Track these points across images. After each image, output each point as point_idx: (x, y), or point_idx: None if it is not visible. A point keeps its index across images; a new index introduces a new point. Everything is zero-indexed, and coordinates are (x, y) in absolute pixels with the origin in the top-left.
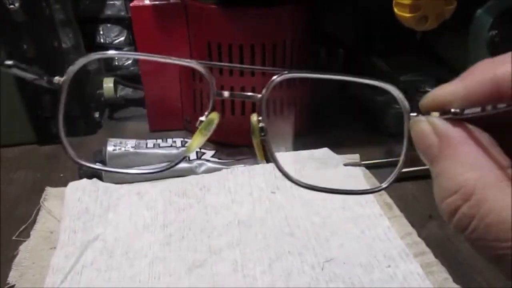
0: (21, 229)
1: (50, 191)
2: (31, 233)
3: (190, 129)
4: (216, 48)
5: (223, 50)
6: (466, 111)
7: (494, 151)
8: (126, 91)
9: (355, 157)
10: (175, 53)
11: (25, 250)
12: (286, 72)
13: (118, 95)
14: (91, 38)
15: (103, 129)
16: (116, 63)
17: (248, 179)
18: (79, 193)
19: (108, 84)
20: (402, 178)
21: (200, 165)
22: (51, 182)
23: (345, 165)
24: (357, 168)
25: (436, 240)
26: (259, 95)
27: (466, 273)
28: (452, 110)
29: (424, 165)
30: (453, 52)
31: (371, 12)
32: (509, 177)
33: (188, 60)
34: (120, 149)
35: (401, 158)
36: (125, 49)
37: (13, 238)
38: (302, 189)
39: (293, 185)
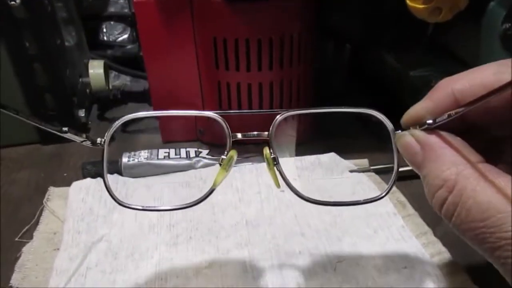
0: (24, 230)
1: (53, 191)
2: (34, 234)
3: (203, 140)
4: (222, 43)
5: (228, 45)
6: (438, 119)
7: (467, 151)
8: (121, 79)
9: (364, 162)
10: (180, 49)
11: (28, 251)
12: (286, 111)
13: (110, 86)
14: (94, 36)
15: (91, 134)
16: (105, 37)
17: (256, 177)
18: (83, 193)
19: (95, 69)
20: (414, 176)
21: (198, 161)
22: (55, 182)
23: (351, 171)
24: (365, 173)
25: (452, 239)
26: (266, 133)
27: (484, 274)
28: (427, 121)
29: None
30: (464, 46)
31: (380, 5)
32: (481, 169)
33: (204, 112)
34: (133, 160)
35: (394, 170)
36: (129, 46)
37: (16, 239)
38: (313, 176)
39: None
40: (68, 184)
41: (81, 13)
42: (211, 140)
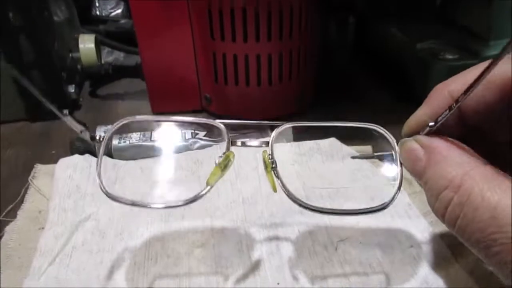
0: (8, 208)
1: (39, 168)
2: (18, 213)
3: (210, 111)
4: (218, 13)
5: (224, 14)
6: (439, 118)
7: (471, 153)
8: (115, 56)
9: (367, 149)
10: (173, 21)
11: (11, 231)
12: (285, 123)
13: (103, 62)
14: (86, 11)
15: (83, 111)
16: (98, 12)
17: (253, 152)
18: (70, 170)
19: (86, 44)
20: None
21: (195, 142)
22: (43, 160)
23: (353, 158)
24: (369, 160)
25: None
26: (268, 142)
27: None
28: (429, 124)
29: None
30: (475, 19)
31: None
32: (488, 170)
33: (207, 120)
34: (125, 141)
35: (398, 180)
36: (122, 21)
37: (0, 218)
38: (312, 162)
39: (302, 159)
40: (56, 162)
41: None
42: (222, 111)
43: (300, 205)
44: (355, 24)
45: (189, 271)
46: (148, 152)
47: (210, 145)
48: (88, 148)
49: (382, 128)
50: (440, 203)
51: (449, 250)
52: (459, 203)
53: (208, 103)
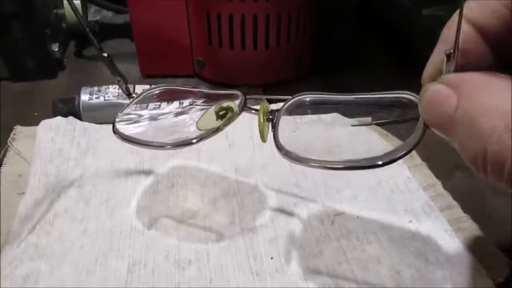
0: None
1: (20, 130)
2: None
3: (203, 76)
4: (216, 19)
5: (222, 20)
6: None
7: None
8: (102, 14)
9: (367, 120)
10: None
11: None
12: (300, 95)
13: (89, 20)
14: None
15: (67, 72)
16: None
17: (248, 120)
18: (52, 133)
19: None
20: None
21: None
22: (24, 122)
23: (354, 126)
24: (369, 127)
25: (462, 194)
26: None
27: (497, 231)
28: (446, 52)
29: None
30: None
31: None
32: None
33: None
34: (98, 98)
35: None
36: None
37: None
38: (309, 133)
39: (303, 127)
40: (38, 124)
41: None
42: (216, 76)
43: (290, 158)
44: None
45: (178, 243)
46: None
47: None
48: (71, 110)
49: (414, 94)
50: (479, 137)
51: (449, 225)
52: (506, 145)
53: (201, 67)
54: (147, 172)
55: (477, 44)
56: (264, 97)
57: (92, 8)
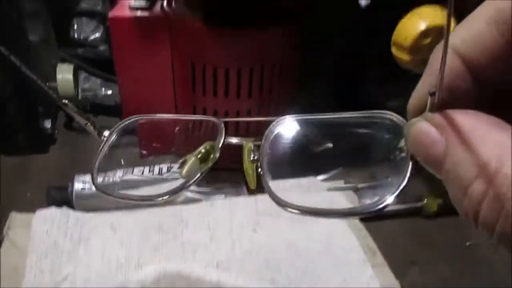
0: None
1: (14, 217)
2: None
3: (180, 154)
4: (201, 68)
5: (207, 70)
6: (439, 81)
7: (503, 126)
8: (91, 83)
9: (341, 183)
10: (156, 69)
11: None
12: (281, 118)
13: (80, 91)
14: (64, 33)
15: (58, 145)
16: (76, 35)
17: (228, 214)
18: (47, 225)
19: (64, 74)
20: (384, 216)
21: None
22: (18, 204)
23: (329, 190)
24: (343, 192)
25: None
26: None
27: None
28: (429, 91)
29: (407, 201)
30: None
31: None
32: None
33: (207, 116)
34: (90, 188)
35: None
36: (101, 48)
37: None
38: (284, 227)
39: (274, 222)
40: (31, 206)
41: (50, 7)
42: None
43: (279, 204)
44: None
45: None
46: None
47: (198, 200)
48: (64, 198)
49: (392, 113)
50: (470, 199)
51: None
52: (498, 197)
53: (177, 148)
54: (136, 266)
55: (465, 80)
56: (241, 120)
57: (82, 75)
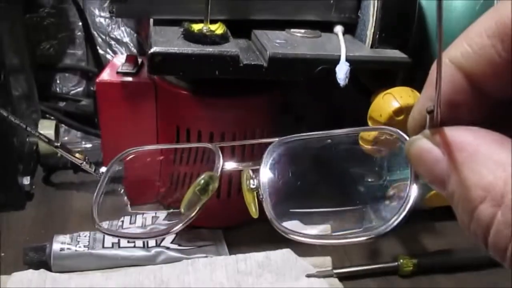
0: None
1: None
2: None
3: (164, 203)
4: (185, 133)
5: (191, 135)
6: (437, 98)
7: (510, 145)
8: (71, 136)
9: (326, 262)
10: (140, 132)
11: None
12: (279, 140)
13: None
14: (46, 87)
15: (35, 202)
16: (58, 89)
17: (209, 273)
18: None
19: (46, 130)
20: (362, 275)
21: (159, 253)
22: None
23: (308, 276)
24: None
25: None
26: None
27: None
28: (428, 109)
29: (383, 261)
30: None
31: (343, 108)
32: None
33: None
34: (69, 249)
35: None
36: (83, 102)
37: None
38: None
39: (255, 282)
40: (6, 267)
41: (33, 62)
42: (171, 204)
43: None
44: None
45: None
46: (98, 263)
47: (179, 258)
48: (41, 259)
49: (391, 128)
50: (477, 223)
51: None
52: (507, 221)
53: (162, 198)
54: None
55: (467, 94)
56: (238, 143)
57: (62, 128)
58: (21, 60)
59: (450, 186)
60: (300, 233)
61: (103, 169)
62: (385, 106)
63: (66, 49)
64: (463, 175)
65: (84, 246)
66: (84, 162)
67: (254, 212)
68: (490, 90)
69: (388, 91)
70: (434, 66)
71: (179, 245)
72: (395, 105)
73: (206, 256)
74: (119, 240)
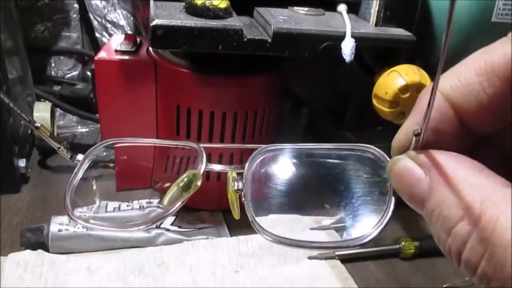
0: None
1: None
2: None
3: (157, 190)
4: (186, 112)
5: (192, 114)
6: (424, 124)
7: (486, 171)
8: (67, 120)
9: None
10: (139, 112)
11: None
12: (265, 147)
13: (55, 129)
14: (41, 70)
15: (31, 185)
16: (53, 72)
17: (210, 255)
18: (20, 269)
19: (41, 113)
20: (364, 257)
21: (159, 235)
22: None
23: (310, 258)
24: (327, 262)
25: None
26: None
27: None
28: (414, 132)
29: (385, 243)
30: None
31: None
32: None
33: (188, 142)
34: (67, 230)
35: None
36: (79, 86)
37: None
38: (266, 269)
39: (257, 264)
40: (2, 250)
41: (28, 44)
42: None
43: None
44: (308, 114)
45: None
46: (97, 244)
47: (180, 240)
48: (39, 240)
49: (374, 148)
50: (454, 240)
51: None
52: (482, 240)
53: (155, 184)
54: None
55: (452, 124)
56: (223, 145)
57: (58, 112)
58: (15, 43)
59: (429, 204)
60: (283, 237)
61: (80, 156)
62: (390, 84)
63: (61, 31)
64: (444, 195)
65: (83, 227)
66: (62, 147)
67: (236, 212)
68: (473, 123)
69: (394, 68)
70: (423, 94)
71: (179, 227)
72: (401, 82)
73: (207, 238)
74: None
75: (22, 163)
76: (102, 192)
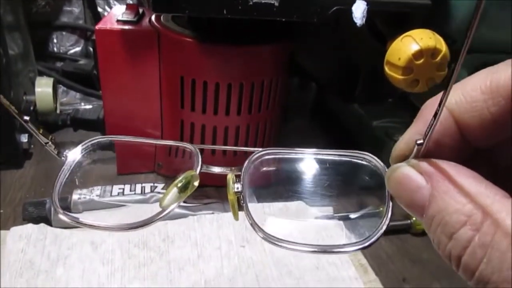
0: None
1: None
2: None
3: (161, 174)
4: (190, 83)
5: (197, 86)
6: (427, 134)
7: (485, 182)
8: (70, 97)
9: (328, 210)
10: (142, 84)
11: None
12: (262, 150)
13: (58, 106)
14: (43, 46)
15: (34, 161)
16: (55, 48)
17: (216, 229)
18: (23, 243)
19: (43, 88)
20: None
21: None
22: None
23: (316, 218)
24: (332, 221)
25: None
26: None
27: None
28: (417, 141)
29: (395, 219)
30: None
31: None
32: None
33: (183, 143)
34: (85, 197)
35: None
36: (81, 61)
37: None
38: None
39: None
40: (4, 224)
41: (29, 20)
42: (169, 174)
43: (267, 239)
44: (317, 89)
45: None
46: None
47: (185, 215)
48: (41, 214)
49: (371, 155)
50: (456, 243)
51: None
52: (482, 245)
53: (159, 168)
54: (118, 286)
55: (454, 137)
56: (216, 147)
57: (60, 89)
58: (16, 18)
59: (431, 210)
60: (283, 240)
61: (67, 152)
62: (404, 49)
63: (63, 6)
64: (446, 202)
65: (97, 195)
66: (50, 142)
67: (237, 215)
68: (474, 139)
69: (408, 33)
70: (427, 105)
71: (185, 202)
72: (415, 47)
73: (212, 213)
74: (123, 189)
75: (24, 138)
76: (103, 175)
